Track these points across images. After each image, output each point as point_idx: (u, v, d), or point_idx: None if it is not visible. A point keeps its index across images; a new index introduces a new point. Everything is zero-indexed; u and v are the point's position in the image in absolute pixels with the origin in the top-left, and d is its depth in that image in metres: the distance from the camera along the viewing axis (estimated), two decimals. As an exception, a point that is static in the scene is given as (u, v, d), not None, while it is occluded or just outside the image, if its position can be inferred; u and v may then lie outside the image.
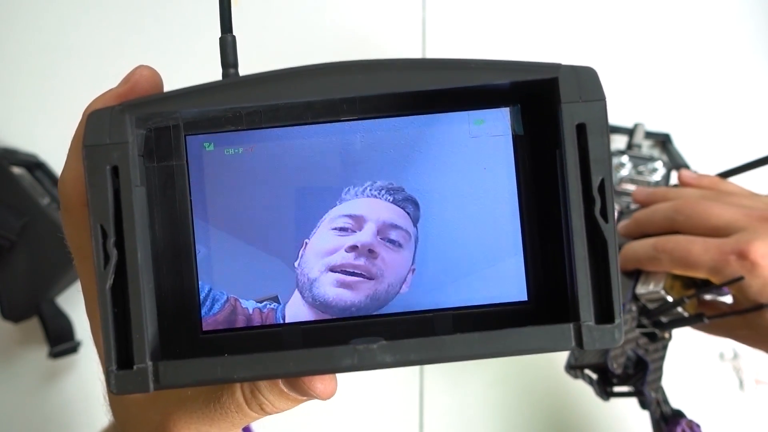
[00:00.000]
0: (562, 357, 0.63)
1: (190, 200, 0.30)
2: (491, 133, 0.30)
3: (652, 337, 0.51)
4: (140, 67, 0.29)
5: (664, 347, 0.53)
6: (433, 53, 0.69)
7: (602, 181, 0.25)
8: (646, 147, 0.67)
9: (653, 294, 0.49)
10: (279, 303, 0.30)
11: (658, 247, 0.48)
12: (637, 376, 0.51)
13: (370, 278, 0.30)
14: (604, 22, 0.70)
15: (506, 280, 0.30)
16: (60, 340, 0.62)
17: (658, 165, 0.64)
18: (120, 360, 0.25)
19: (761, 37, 0.72)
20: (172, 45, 0.66)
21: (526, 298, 0.30)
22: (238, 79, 0.27)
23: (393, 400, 0.67)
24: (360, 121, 0.30)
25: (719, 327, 0.51)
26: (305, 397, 0.31)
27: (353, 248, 0.30)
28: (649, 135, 0.67)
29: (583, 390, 0.68)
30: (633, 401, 0.67)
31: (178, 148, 0.30)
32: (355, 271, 0.30)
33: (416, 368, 0.67)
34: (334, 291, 0.30)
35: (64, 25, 0.66)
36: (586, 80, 0.26)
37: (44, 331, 0.61)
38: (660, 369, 0.53)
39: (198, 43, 0.67)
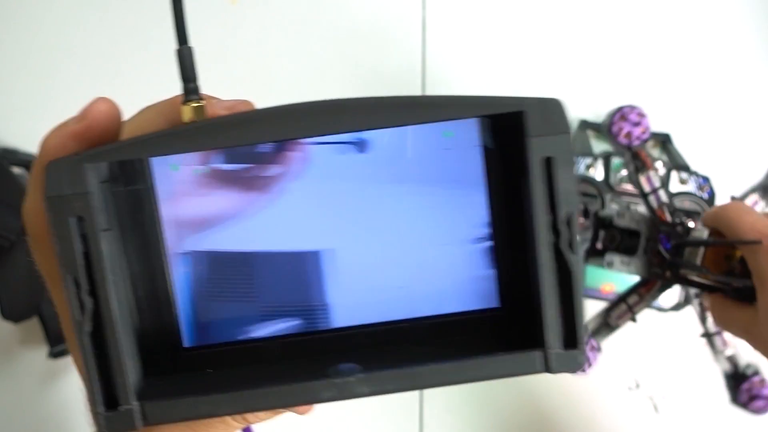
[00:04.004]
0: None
1: (160, 222, 0.30)
2: (461, 145, 0.30)
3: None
4: (97, 101, 0.28)
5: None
6: (433, 53, 0.69)
7: (569, 214, 0.26)
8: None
9: (697, 231, 0.52)
10: None
11: (723, 207, 0.51)
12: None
13: None
14: (604, 22, 0.70)
15: (479, 289, 0.31)
16: (60, 340, 0.62)
17: (658, 165, 0.64)
18: (107, 400, 0.26)
19: (761, 37, 0.72)
20: (172, 45, 0.66)
21: (498, 305, 0.31)
22: (198, 125, 0.27)
23: (393, 400, 0.67)
24: (327, 138, 0.30)
25: (724, 319, 0.52)
26: (284, 411, 0.32)
27: None
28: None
29: (583, 390, 0.68)
30: (636, 407, 0.67)
31: (143, 172, 0.29)
32: None
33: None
34: None
35: (64, 26, 0.66)
36: (553, 113, 0.26)
37: (44, 331, 0.61)
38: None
39: (199, 44, 0.67)
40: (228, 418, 0.32)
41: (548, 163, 0.26)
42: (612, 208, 0.57)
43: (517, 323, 0.30)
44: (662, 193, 0.57)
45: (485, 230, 0.30)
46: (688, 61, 0.71)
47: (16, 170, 0.61)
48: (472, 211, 0.30)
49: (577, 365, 0.27)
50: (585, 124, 0.68)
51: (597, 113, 0.69)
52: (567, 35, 0.70)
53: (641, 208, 0.61)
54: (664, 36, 0.71)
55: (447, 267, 0.31)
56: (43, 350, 0.63)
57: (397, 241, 0.30)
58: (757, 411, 0.57)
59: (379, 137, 0.30)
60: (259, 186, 0.30)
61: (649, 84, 0.70)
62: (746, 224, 0.48)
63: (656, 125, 0.67)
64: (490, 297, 0.31)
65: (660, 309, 0.64)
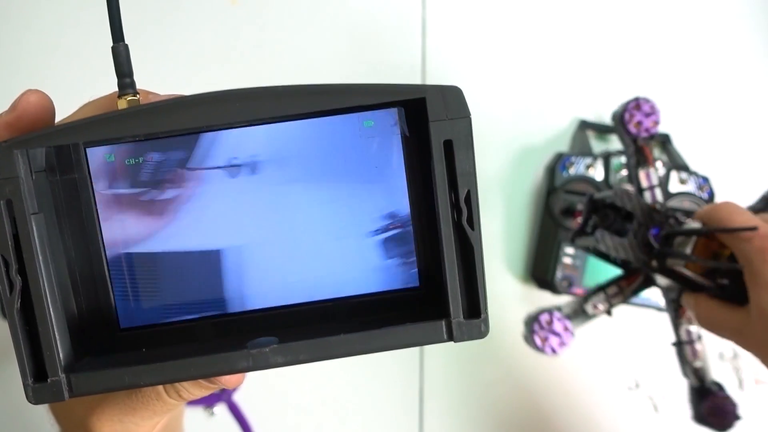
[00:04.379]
0: (563, 358, 0.63)
1: (96, 210, 0.31)
2: (381, 133, 0.32)
3: (619, 233, 0.54)
4: (27, 92, 0.29)
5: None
6: (433, 52, 0.69)
7: (468, 193, 0.28)
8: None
9: (689, 223, 0.52)
10: None
11: (715, 206, 0.51)
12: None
13: None
14: (605, 22, 0.70)
15: (400, 270, 0.33)
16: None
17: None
18: (35, 373, 0.28)
19: (761, 37, 0.72)
20: (173, 46, 0.66)
21: (418, 285, 0.33)
22: (121, 112, 0.29)
23: (393, 399, 0.67)
24: (254, 127, 0.31)
25: (711, 320, 0.52)
26: (215, 386, 0.33)
27: None
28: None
29: (583, 390, 0.68)
30: (636, 407, 0.67)
31: (79, 161, 0.31)
32: None
33: (416, 367, 0.67)
34: None
35: (63, 26, 0.66)
36: (452, 99, 0.28)
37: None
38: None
39: (199, 43, 0.67)
40: (163, 395, 0.33)
41: (448, 145, 0.28)
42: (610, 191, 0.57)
43: (434, 300, 0.32)
44: (658, 192, 0.57)
45: (405, 215, 0.32)
46: (687, 61, 0.71)
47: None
48: (394, 196, 0.32)
49: (479, 333, 0.29)
50: (585, 124, 0.68)
51: (597, 114, 0.69)
52: (567, 36, 0.70)
53: None
54: (664, 37, 0.71)
55: (371, 250, 0.33)
56: (42, 350, 0.63)
57: (323, 229, 0.32)
58: (720, 428, 0.56)
59: (301, 126, 0.31)
60: (163, 208, 0.32)
61: (649, 84, 0.70)
62: (738, 223, 0.48)
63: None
64: (411, 277, 0.33)
65: (659, 309, 0.64)
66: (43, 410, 0.68)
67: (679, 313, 0.56)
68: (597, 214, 0.55)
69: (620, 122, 0.58)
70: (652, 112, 0.57)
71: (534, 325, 0.56)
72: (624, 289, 0.57)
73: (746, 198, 0.63)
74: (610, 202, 0.54)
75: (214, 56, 0.67)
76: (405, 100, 0.29)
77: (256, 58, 0.68)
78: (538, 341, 0.56)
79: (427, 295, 0.33)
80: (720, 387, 0.56)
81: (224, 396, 0.65)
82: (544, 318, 0.55)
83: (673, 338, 0.57)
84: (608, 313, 0.57)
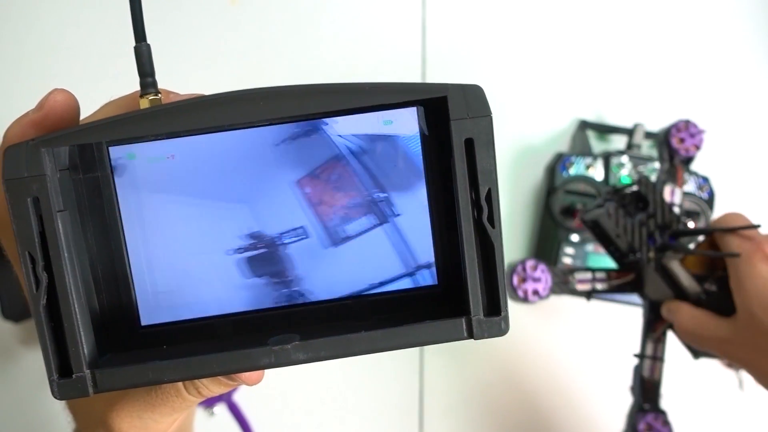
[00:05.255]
0: (563, 358, 0.63)
1: (118, 207, 0.31)
2: (400, 132, 0.32)
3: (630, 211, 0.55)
4: (54, 91, 0.30)
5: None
6: (433, 53, 0.69)
7: (489, 191, 0.28)
8: (646, 147, 0.67)
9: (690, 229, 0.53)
10: None
11: (721, 217, 0.53)
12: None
13: None
14: (603, 22, 0.70)
15: (418, 268, 0.33)
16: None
17: (658, 165, 0.64)
18: (60, 369, 0.28)
19: (761, 37, 0.72)
20: (172, 45, 0.66)
21: (436, 283, 0.33)
22: (145, 111, 0.29)
23: (393, 398, 0.67)
24: (274, 126, 0.31)
25: (695, 330, 0.53)
26: (235, 383, 0.33)
27: None
28: (649, 135, 0.67)
29: (583, 389, 0.68)
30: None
31: (102, 159, 0.31)
32: None
33: (416, 366, 0.67)
34: None
35: (64, 26, 0.66)
36: (474, 98, 0.28)
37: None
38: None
39: (199, 44, 0.67)
40: (183, 392, 0.33)
41: (469, 144, 0.28)
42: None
43: (452, 298, 0.32)
44: (676, 210, 0.56)
45: (423, 214, 0.32)
46: (687, 60, 0.71)
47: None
48: (410, 196, 0.32)
49: (499, 331, 0.29)
50: (585, 124, 0.68)
51: (597, 114, 0.69)
52: (567, 36, 0.70)
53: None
54: (663, 35, 0.71)
55: (388, 248, 0.33)
56: (43, 350, 0.63)
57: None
58: None
59: (319, 124, 0.32)
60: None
61: (650, 84, 0.70)
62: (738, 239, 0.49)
63: (656, 125, 0.67)
64: (429, 276, 0.33)
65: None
66: (44, 411, 0.68)
67: (654, 326, 0.57)
68: (617, 194, 0.55)
69: (665, 136, 0.59)
70: (697, 134, 0.58)
71: (516, 270, 0.56)
72: (611, 280, 0.57)
73: (746, 199, 0.63)
74: (632, 191, 0.54)
75: (213, 57, 0.67)
76: (424, 99, 0.29)
77: (255, 58, 0.68)
78: (516, 281, 0.56)
79: (445, 293, 0.33)
80: (663, 413, 0.57)
81: (224, 396, 0.65)
82: (530, 264, 0.56)
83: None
84: (587, 296, 0.57)
